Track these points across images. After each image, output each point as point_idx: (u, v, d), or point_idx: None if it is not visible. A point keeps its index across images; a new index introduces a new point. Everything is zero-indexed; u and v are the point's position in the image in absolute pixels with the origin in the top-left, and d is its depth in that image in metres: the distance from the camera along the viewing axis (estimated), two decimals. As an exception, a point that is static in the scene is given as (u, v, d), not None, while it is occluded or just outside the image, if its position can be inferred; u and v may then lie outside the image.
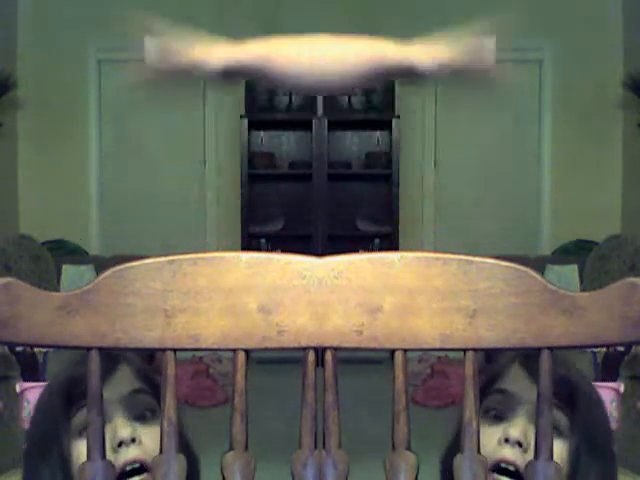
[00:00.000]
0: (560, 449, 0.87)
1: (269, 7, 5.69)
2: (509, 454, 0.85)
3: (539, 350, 0.71)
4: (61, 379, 0.93)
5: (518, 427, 0.86)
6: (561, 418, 0.87)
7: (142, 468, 0.86)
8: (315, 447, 0.73)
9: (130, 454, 0.85)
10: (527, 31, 5.60)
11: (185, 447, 0.87)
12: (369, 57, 0.83)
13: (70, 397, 0.89)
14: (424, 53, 0.83)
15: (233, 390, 0.72)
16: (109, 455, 0.81)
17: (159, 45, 0.83)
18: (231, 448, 0.72)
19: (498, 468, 0.86)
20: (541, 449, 0.73)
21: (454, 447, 0.86)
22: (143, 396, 0.89)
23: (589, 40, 5.55)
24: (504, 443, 0.86)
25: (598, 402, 0.92)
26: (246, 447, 0.72)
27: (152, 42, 0.83)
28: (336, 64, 0.83)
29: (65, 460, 0.88)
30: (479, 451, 0.74)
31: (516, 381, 0.87)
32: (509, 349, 0.72)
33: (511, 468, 0.84)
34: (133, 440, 0.85)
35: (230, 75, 0.83)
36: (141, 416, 0.89)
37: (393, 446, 0.72)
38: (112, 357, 0.86)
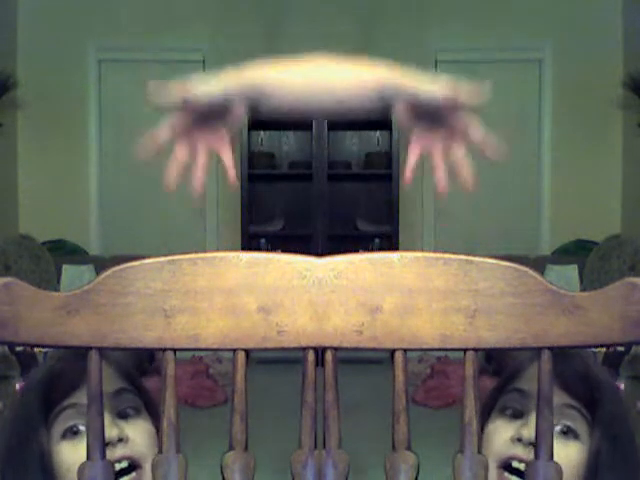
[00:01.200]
0: (579, 452, 0.86)
1: (270, 7, 5.69)
2: (521, 453, 0.84)
3: (539, 350, 0.71)
4: (37, 382, 0.91)
5: (532, 427, 0.85)
6: (578, 420, 0.85)
7: (131, 467, 0.86)
8: (315, 447, 0.73)
9: (117, 452, 0.84)
10: (527, 31, 5.62)
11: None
12: (369, 82, 0.82)
13: (48, 400, 0.88)
14: (431, 82, 0.81)
15: (233, 390, 0.72)
16: None
17: (159, 85, 0.82)
18: (231, 448, 0.72)
19: (509, 467, 0.85)
20: (541, 449, 0.73)
21: None
22: (126, 395, 0.89)
23: (589, 40, 5.55)
24: (517, 442, 0.85)
25: (620, 401, 0.91)
26: (246, 447, 0.72)
27: (154, 84, 0.82)
28: (331, 89, 0.82)
29: (46, 467, 0.87)
30: (480, 451, 0.74)
31: (534, 381, 0.87)
32: (509, 349, 0.72)
33: (522, 468, 0.83)
34: (120, 440, 0.85)
35: (228, 104, 0.82)
36: (125, 414, 0.89)
37: (393, 446, 0.72)
38: None
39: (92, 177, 5.78)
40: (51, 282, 4.93)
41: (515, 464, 0.85)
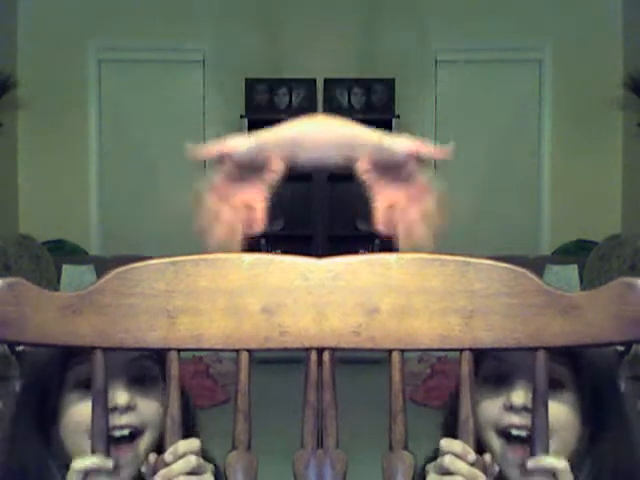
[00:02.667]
0: (568, 400, 0.87)
1: (270, 7, 5.69)
2: (517, 420, 0.85)
3: (536, 350, 0.72)
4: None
5: (521, 394, 0.85)
6: (558, 370, 0.86)
7: (131, 435, 0.86)
8: (317, 446, 0.74)
9: (123, 420, 0.84)
10: (527, 31, 5.62)
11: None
12: (347, 139, 0.85)
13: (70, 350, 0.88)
14: (393, 139, 0.86)
15: (236, 390, 0.72)
16: None
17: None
18: (234, 448, 0.73)
19: (508, 435, 0.86)
20: (538, 446, 0.74)
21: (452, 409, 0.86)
22: (145, 361, 0.88)
23: (589, 40, 5.55)
24: (510, 411, 0.85)
25: (602, 353, 0.91)
26: (249, 447, 0.73)
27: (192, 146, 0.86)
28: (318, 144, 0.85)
29: (54, 412, 0.87)
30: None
31: (512, 353, 0.86)
32: (506, 349, 0.72)
33: (523, 434, 0.84)
34: (128, 408, 0.84)
35: (266, 158, 0.85)
36: (140, 381, 0.88)
37: (390, 446, 0.73)
38: None
39: (92, 177, 5.78)
40: (51, 282, 4.94)
41: (515, 432, 0.85)
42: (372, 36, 5.68)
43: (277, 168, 0.85)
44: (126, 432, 0.85)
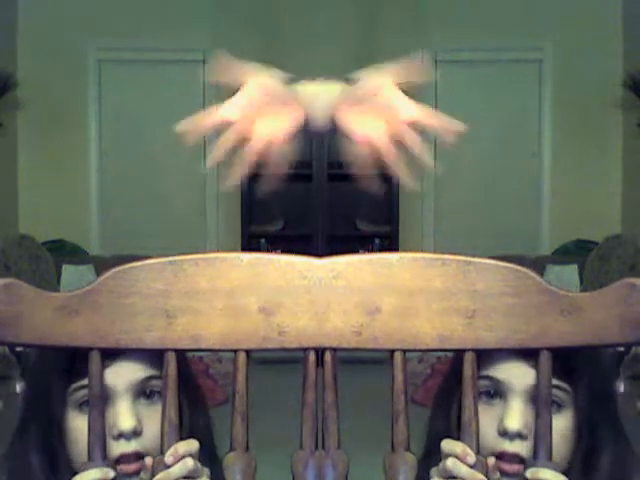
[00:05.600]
0: (565, 420, 0.85)
1: (270, 7, 5.69)
2: (509, 447, 0.83)
3: (538, 350, 0.72)
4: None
5: (515, 418, 0.83)
6: (563, 393, 0.84)
7: (137, 457, 0.83)
8: (316, 448, 0.73)
9: (130, 447, 0.81)
10: (527, 31, 5.62)
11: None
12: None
13: (73, 364, 0.85)
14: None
15: (234, 391, 0.72)
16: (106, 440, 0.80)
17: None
18: (232, 449, 0.73)
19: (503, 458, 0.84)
20: (540, 449, 0.73)
21: (431, 451, 0.84)
22: (154, 382, 0.85)
23: (589, 40, 5.55)
24: (504, 436, 0.83)
25: (604, 367, 0.89)
26: (247, 448, 0.73)
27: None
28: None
29: (59, 429, 0.84)
30: (479, 451, 0.74)
31: (505, 368, 0.83)
32: (508, 349, 0.72)
33: (515, 460, 0.82)
34: (134, 433, 0.81)
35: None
36: (147, 403, 0.85)
37: (392, 446, 0.72)
38: None
39: (92, 177, 5.78)
40: (51, 282, 4.93)
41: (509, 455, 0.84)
42: (372, 36, 5.68)
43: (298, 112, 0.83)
44: (132, 460, 0.81)
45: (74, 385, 0.83)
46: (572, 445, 0.86)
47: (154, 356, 0.84)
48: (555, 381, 0.80)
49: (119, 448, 0.80)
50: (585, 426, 0.86)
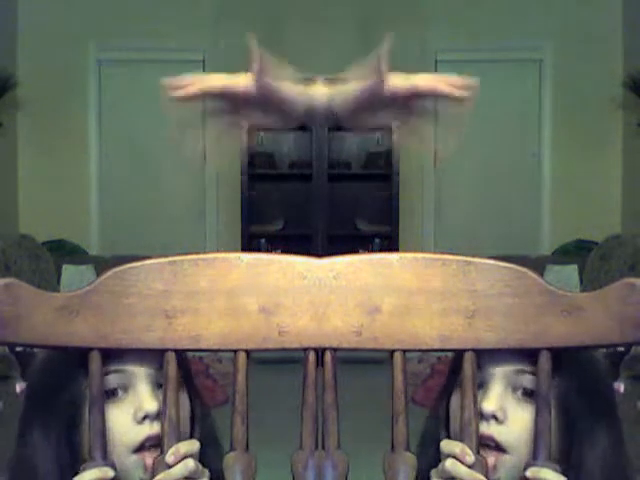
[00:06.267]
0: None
1: (270, 7, 5.69)
2: (485, 429, 0.82)
3: (538, 350, 0.72)
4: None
5: (492, 399, 0.82)
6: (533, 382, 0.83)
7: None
8: (316, 448, 0.73)
9: (154, 429, 0.81)
10: (527, 31, 5.62)
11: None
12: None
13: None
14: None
15: (234, 391, 0.72)
16: (130, 426, 0.80)
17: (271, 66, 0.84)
18: (232, 449, 0.73)
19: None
20: (540, 449, 0.73)
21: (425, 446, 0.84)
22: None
23: (589, 40, 5.55)
24: (480, 419, 0.82)
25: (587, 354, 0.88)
26: (247, 448, 0.73)
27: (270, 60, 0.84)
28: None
29: (75, 420, 0.83)
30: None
31: (493, 358, 0.82)
32: (508, 349, 0.72)
33: (491, 443, 0.82)
34: (158, 414, 0.81)
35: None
36: (112, 393, 0.83)
37: (392, 447, 0.72)
38: None
39: (92, 177, 5.78)
40: (51, 282, 4.93)
41: (483, 441, 0.83)
42: (372, 36, 5.68)
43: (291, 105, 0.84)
44: (157, 442, 0.80)
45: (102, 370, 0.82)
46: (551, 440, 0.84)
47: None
48: (532, 368, 0.79)
49: (143, 431, 0.80)
50: (565, 422, 0.84)
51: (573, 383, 0.84)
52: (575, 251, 5.45)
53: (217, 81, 0.85)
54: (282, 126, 0.87)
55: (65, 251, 5.42)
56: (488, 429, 0.81)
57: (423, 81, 0.85)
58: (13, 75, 5.23)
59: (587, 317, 0.70)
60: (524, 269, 0.70)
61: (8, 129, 5.34)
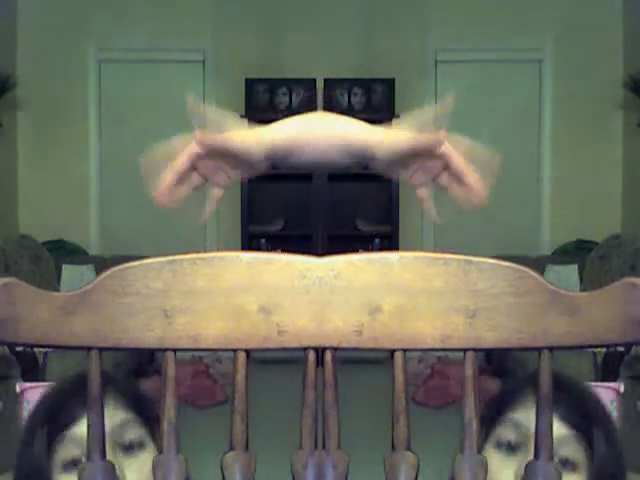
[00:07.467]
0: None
1: (270, 7, 5.69)
2: None
3: (539, 350, 0.71)
4: (39, 413, 0.90)
5: None
6: (576, 449, 0.82)
7: None
8: (316, 447, 0.73)
9: None
10: (527, 31, 5.62)
11: None
12: (347, 141, 0.82)
13: (50, 431, 0.85)
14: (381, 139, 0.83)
15: (233, 390, 0.72)
16: None
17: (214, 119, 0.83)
18: (231, 448, 0.72)
19: None
20: (541, 449, 0.73)
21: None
22: (132, 426, 0.85)
23: (589, 40, 5.56)
24: None
25: (615, 435, 0.87)
26: (246, 447, 0.72)
27: (212, 113, 0.83)
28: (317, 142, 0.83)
29: None
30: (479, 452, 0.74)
31: (531, 414, 0.82)
32: (509, 349, 0.71)
33: None
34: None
35: (269, 159, 0.83)
36: (128, 448, 0.85)
37: (393, 447, 0.72)
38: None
39: (92, 177, 5.78)
40: (51, 282, 4.93)
41: None
42: (372, 36, 5.68)
43: (262, 168, 0.84)
44: None
45: (57, 438, 0.83)
46: None
47: (131, 398, 0.83)
48: (575, 433, 0.78)
49: None
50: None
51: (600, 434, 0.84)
52: (575, 251, 5.45)
53: (178, 161, 0.84)
54: (256, 174, 0.86)
55: (65, 251, 5.42)
56: None
57: (460, 162, 0.83)
58: (13, 75, 5.23)
59: (587, 317, 0.70)
60: (526, 268, 0.69)
61: (8, 129, 5.35)
